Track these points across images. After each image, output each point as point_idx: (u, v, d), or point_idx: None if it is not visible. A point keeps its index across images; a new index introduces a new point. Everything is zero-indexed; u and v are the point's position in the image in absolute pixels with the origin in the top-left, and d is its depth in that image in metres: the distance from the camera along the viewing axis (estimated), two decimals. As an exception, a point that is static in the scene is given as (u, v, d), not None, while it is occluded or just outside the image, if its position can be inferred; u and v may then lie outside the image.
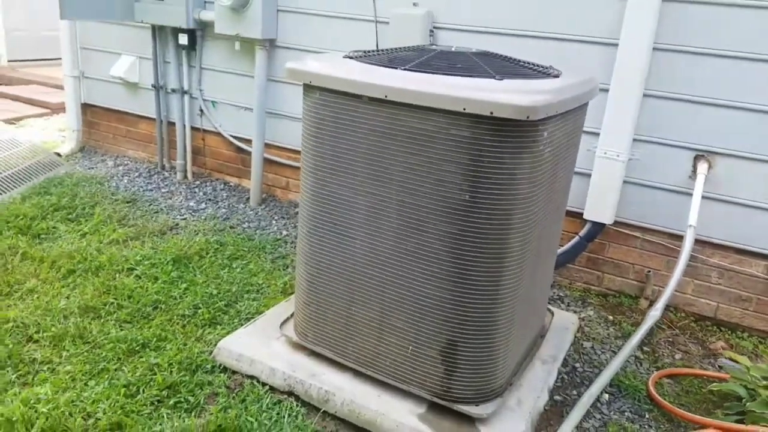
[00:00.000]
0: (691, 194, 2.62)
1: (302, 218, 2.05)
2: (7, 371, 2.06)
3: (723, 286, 2.73)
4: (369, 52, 2.11)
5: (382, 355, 1.99)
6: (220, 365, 2.17)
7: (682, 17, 2.51)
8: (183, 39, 3.69)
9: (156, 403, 1.98)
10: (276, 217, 3.58)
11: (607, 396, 2.21)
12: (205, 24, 3.66)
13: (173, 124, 4.04)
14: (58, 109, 5.49)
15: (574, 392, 2.23)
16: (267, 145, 3.71)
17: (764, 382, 2.00)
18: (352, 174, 1.86)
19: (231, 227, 3.39)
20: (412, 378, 1.95)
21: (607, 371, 2.22)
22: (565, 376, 2.32)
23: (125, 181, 3.95)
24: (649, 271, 2.85)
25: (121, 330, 2.33)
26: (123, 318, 2.40)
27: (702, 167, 2.59)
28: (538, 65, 2.04)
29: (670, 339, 2.66)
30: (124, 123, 4.36)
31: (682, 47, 2.54)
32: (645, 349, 2.56)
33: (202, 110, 3.91)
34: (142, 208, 3.54)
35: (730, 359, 2.38)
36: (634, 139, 2.69)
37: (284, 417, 1.95)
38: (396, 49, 2.15)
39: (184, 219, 3.46)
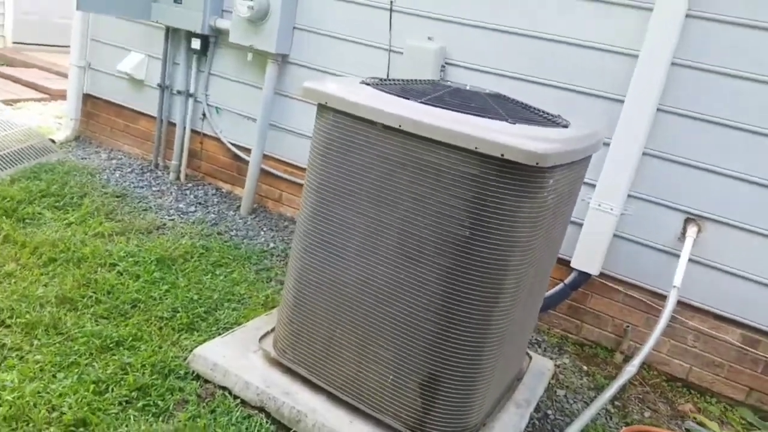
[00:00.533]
0: (677, 255, 2.66)
1: (298, 235, 2.05)
2: (-25, 354, 2.01)
3: (698, 350, 2.76)
4: (385, 80, 2.14)
5: (361, 381, 1.98)
6: (194, 372, 2.14)
7: (690, 81, 2.59)
8: (196, 44, 3.71)
9: (124, 403, 1.94)
10: (265, 228, 3.57)
11: (577, 447, 2.21)
12: (220, 31, 3.69)
13: (173, 124, 4.03)
14: (57, 95, 5.46)
15: (545, 439, 2.23)
16: (265, 156, 3.72)
17: (733, 450, 2.02)
18: (355, 197, 1.87)
19: (219, 233, 3.37)
20: (387, 408, 1.94)
21: (579, 422, 2.23)
22: (537, 422, 2.32)
23: (117, 175, 3.92)
24: (628, 326, 2.88)
25: (97, 325, 2.29)
26: (100, 313, 2.36)
27: (692, 230, 2.65)
28: (547, 113, 2.08)
29: (641, 396, 2.68)
30: (124, 118, 4.35)
31: (685, 111, 2.62)
32: (616, 403, 2.57)
33: (204, 114, 3.92)
34: (131, 204, 3.51)
35: (700, 423, 2.40)
36: (629, 195, 2.75)
37: (254, 433, 1.92)
38: (411, 80, 2.19)
39: (172, 220, 3.43)
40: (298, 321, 2.08)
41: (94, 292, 2.48)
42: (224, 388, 2.09)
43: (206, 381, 2.12)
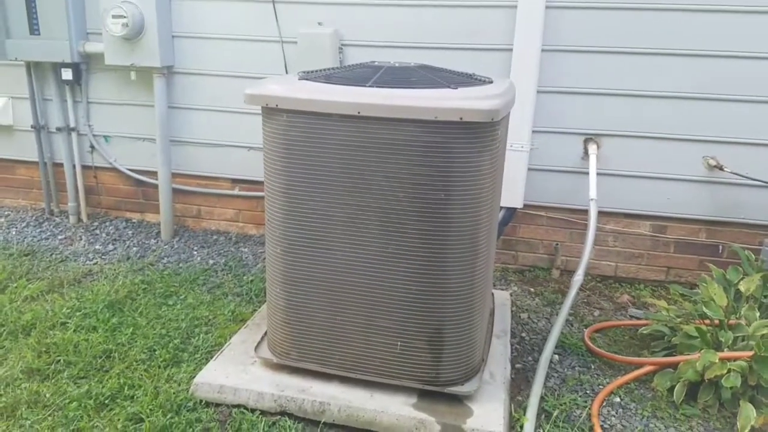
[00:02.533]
0: (583, 173, 3.03)
1: (274, 239, 2.09)
2: (-34, 454, 1.85)
3: (619, 248, 3.19)
4: (320, 71, 2.21)
5: (370, 356, 2.09)
6: (202, 401, 2.13)
7: (566, 18, 2.91)
8: (67, 74, 3.45)
9: (150, 450, 1.91)
10: (195, 248, 3.49)
11: (557, 356, 2.51)
12: (90, 56, 3.46)
13: (59, 164, 3.75)
14: None
15: (529, 358, 2.51)
16: (173, 174, 3.60)
17: (680, 319, 2.42)
18: (327, 189, 1.95)
19: (150, 264, 3.25)
20: (401, 372, 2.08)
21: (553, 335, 2.51)
22: (517, 346, 2.59)
23: (13, 232, 3.59)
24: (557, 244, 3.24)
25: (78, 387, 2.18)
26: (76, 374, 2.24)
27: (592, 148, 3.02)
28: (467, 74, 2.27)
29: (585, 300, 3.06)
30: (-4, 170, 3.95)
31: (565, 47, 2.95)
32: (570, 311, 2.92)
33: (93, 146, 3.68)
34: (45, 258, 3.25)
35: (649, 305, 2.81)
36: (533, 131, 3.06)
37: (288, 435, 1.98)
38: (345, 67, 2.27)
39: (96, 263, 3.24)
40: (295, 320, 2.13)
41: (59, 356, 2.33)
42: (238, 406, 2.11)
43: (217, 405, 2.12)
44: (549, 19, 2.92)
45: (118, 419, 2.00)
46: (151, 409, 2.04)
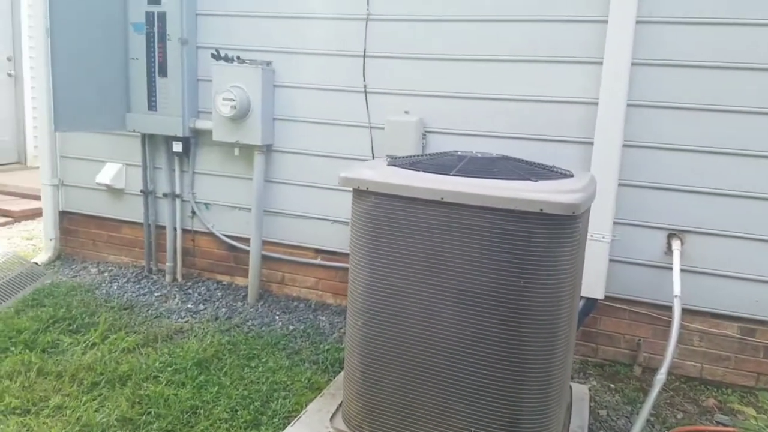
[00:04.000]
0: (667, 268, 2.98)
1: (355, 311, 2.20)
2: (62, 493, 2.01)
3: (705, 348, 3.07)
4: (406, 158, 2.38)
5: (442, 438, 2.11)
6: (276, 465, 2.21)
7: (647, 116, 2.97)
8: (177, 147, 3.84)
9: None
10: (278, 313, 3.66)
11: (635, 458, 2.41)
12: (199, 132, 3.85)
13: (161, 227, 4.10)
14: (21, 216, 5.36)
15: (606, 457, 2.42)
16: (263, 242, 3.84)
17: (770, 430, 2.28)
18: (409, 267, 2.06)
19: (236, 326, 3.43)
20: (473, 457, 2.08)
21: (632, 434, 2.44)
22: (594, 444, 2.51)
23: (115, 287, 3.91)
24: (640, 339, 3.16)
25: (164, 439, 2.31)
26: (165, 427, 2.39)
27: (675, 243, 2.98)
28: (548, 166, 2.37)
29: (668, 401, 2.93)
30: (106, 229, 4.35)
31: (644, 143, 2.99)
32: (651, 411, 2.80)
33: (194, 212, 4.01)
34: (141, 313, 3.52)
35: (738, 413, 2.66)
36: (615, 222, 3.07)
37: None
38: (431, 155, 2.43)
39: (187, 321, 3.46)
40: (368, 393, 2.20)
41: (151, 408, 2.50)
42: (310, 474, 2.16)
43: (290, 471, 2.18)
44: (630, 115, 2.99)
45: None
46: (228, 469, 2.14)
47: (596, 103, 3.01)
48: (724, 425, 2.66)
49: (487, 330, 1.98)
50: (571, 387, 2.77)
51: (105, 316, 3.38)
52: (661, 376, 2.63)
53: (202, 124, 3.79)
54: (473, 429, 2.05)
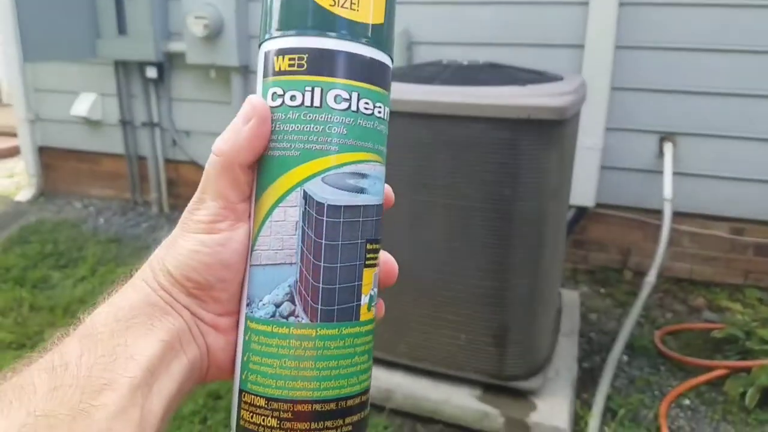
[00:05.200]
0: (658, 172, 2.95)
1: (343, 231, 2.17)
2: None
3: (694, 250, 3.09)
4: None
5: (434, 348, 2.14)
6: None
7: (640, 15, 2.84)
8: (152, 72, 3.68)
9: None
10: (268, 239, 3.64)
11: (625, 357, 2.47)
12: (172, 55, 3.67)
13: (143, 158, 4.00)
14: (0, 155, 5.23)
15: (597, 358, 2.48)
16: (248, 169, 3.76)
17: (756, 324, 2.33)
18: (395, 184, 2.00)
19: (227, 253, 3.42)
20: (466, 365, 2.11)
21: (623, 335, 2.48)
22: (585, 346, 2.56)
23: (101, 221, 3.86)
24: (630, 245, 3.17)
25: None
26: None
27: (667, 147, 2.93)
28: (537, 71, 2.27)
29: (658, 302, 2.98)
30: (86, 162, 4.25)
31: (641, 44, 2.87)
32: (641, 313, 2.85)
33: (175, 141, 3.90)
34: (130, 245, 3.49)
35: (725, 309, 2.72)
36: (606, 129, 3.00)
37: (354, 419, 2.05)
38: (413, 66, 2.33)
39: (177, 251, 3.44)
40: (361, 310, 2.21)
41: (145, 335, 2.51)
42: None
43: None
44: (623, 15, 2.85)
45: (199, 396, 2.14)
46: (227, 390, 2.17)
47: (587, 3, 2.86)
48: (713, 322, 2.71)
49: (473, 241, 1.96)
50: (560, 293, 2.81)
51: (93, 250, 3.36)
52: (650, 279, 2.65)
53: (175, 46, 3.61)
54: (463, 336, 2.07)
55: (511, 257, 1.95)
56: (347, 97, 0.42)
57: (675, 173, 2.93)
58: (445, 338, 2.11)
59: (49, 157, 4.34)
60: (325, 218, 0.42)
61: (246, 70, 3.58)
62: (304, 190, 0.41)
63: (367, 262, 0.44)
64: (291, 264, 0.42)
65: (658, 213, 2.90)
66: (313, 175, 0.41)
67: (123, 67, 3.82)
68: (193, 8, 3.34)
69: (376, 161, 0.44)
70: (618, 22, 2.84)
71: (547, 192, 1.91)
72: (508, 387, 2.09)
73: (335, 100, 0.41)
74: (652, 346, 2.54)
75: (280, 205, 0.42)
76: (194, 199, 0.43)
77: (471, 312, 2.04)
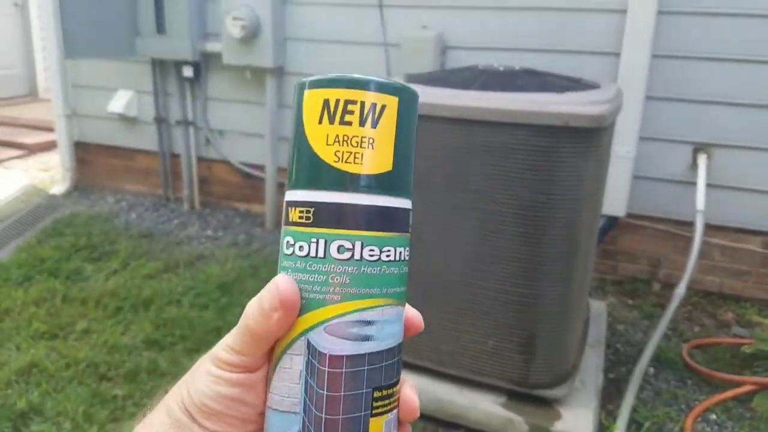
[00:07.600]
0: (691, 183, 2.91)
1: (374, 233, 2.19)
2: (97, 408, 2.09)
3: (725, 263, 3.04)
4: (423, 75, 2.29)
5: (460, 353, 2.14)
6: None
7: (678, 24, 2.82)
8: (188, 71, 3.75)
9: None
10: (295, 238, 3.67)
11: (652, 369, 2.44)
12: (209, 55, 3.74)
13: (176, 155, 4.07)
14: (36, 149, 5.36)
15: (623, 369, 2.46)
16: (278, 169, 3.81)
17: (790, 341, 2.29)
18: (427, 188, 2.02)
19: (256, 251, 3.47)
20: (491, 371, 2.11)
21: (650, 347, 2.46)
22: (612, 357, 2.54)
23: (133, 216, 3.95)
24: (660, 257, 3.14)
25: (191, 359, 2.37)
26: (190, 347, 2.46)
27: (702, 158, 2.90)
28: (574, 78, 2.27)
29: (686, 315, 2.94)
30: (121, 158, 4.35)
31: (676, 53, 2.85)
32: (669, 325, 2.82)
33: (208, 140, 3.97)
34: (161, 240, 3.56)
35: (756, 324, 2.67)
36: (640, 138, 2.98)
37: (380, 420, 2.07)
38: (449, 70, 2.34)
39: (207, 248, 3.50)
40: (389, 312, 2.22)
41: (175, 330, 2.56)
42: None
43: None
44: (660, 23, 2.83)
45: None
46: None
47: (625, 11, 2.84)
48: (742, 337, 2.67)
49: (505, 247, 1.96)
50: (588, 303, 2.79)
51: (125, 244, 3.43)
52: (680, 291, 2.63)
53: (211, 46, 3.68)
54: (490, 342, 2.07)
55: (542, 265, 1.95)
56: (350, 246, 0.42)
57: (708, 185, 2.90)
58: (472, 343, 2.11)
59: (84, 152, 4.45)
60: (327, 369, 0.42)
61: (281, 72, 3.63)
62: (307, 340, 0.42)
63: (374, 411, 0.43)
64: (295, 413, 0.43)
65: (689, 225, 2.87)
66: (316, 325, 0.42)
67: (160, 65, 3.90)
68: (231, 9, 3.39)
69: (387, 305, 0.44)
70: (655, 30, 2.82)
71: (582, 200, 1.91)
72: (532, 395, 2.09)
73: (338, 251, 0.42)
74: (680, 359, 2.51)
75: (287, 352, 0.43)
76: (227, 340, 0.45)
77: (499, 318, 2.04)
